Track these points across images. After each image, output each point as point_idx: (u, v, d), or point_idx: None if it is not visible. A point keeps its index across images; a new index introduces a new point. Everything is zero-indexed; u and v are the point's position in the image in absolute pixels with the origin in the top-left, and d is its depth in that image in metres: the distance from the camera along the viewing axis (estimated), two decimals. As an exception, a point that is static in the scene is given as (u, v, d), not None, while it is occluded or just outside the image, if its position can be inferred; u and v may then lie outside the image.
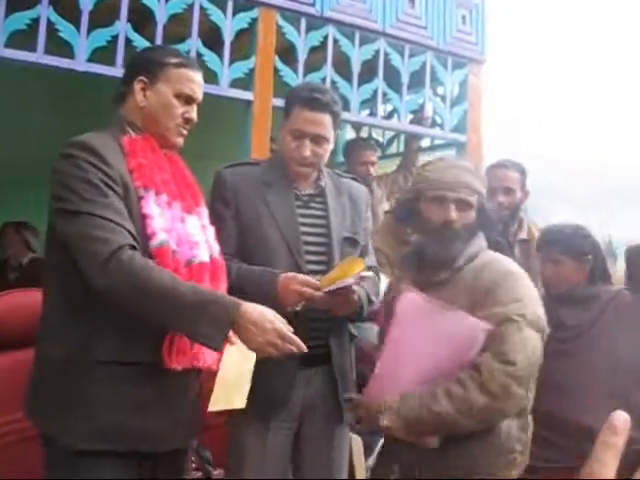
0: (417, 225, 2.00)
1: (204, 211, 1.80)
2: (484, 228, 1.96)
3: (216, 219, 1.89)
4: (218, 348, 1.50)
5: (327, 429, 2.06)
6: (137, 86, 1.72)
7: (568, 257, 2.31)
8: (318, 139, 2.03)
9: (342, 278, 1.83)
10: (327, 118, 2.02)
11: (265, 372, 1.93)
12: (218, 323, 1.48)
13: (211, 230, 1.79)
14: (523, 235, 2.87)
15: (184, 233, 1.65)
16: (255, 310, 1.51)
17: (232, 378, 1.72)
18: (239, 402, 1.77)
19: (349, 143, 4.34)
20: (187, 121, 1.75)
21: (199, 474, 2.38)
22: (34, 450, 1.64)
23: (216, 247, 1.78)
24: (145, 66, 1.73)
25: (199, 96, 1.77)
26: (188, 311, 1.47)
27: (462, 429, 1.72)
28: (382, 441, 2.19)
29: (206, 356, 1.59)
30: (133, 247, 1.51)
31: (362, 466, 2.79)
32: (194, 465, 2.34)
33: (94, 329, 1.55)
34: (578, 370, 2.22)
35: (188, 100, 1.74)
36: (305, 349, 1.55)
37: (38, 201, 2.11)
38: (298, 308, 1.89)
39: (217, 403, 1.70)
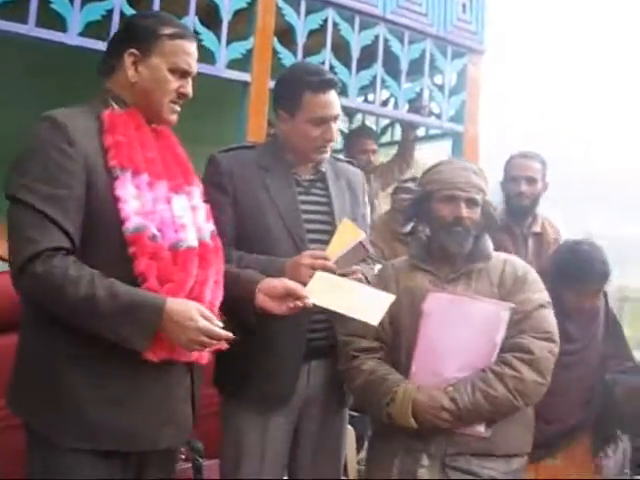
0: (426, 223, 2.10)
1: (196, 190, 1.68)
2: (489, 225, 2.06)
3: (212, 207, 1.76)
4: (142, 349, 1.43)
5: (326, 422, 2.02)
6: (128, 60, 1.57)
7: (605, 284, 2.38)
8: (337, 118, 1.97)
9: (345, 243, 1.85)
10: (336, 94, 1.96)
11: (268, 367, 1.87)
12: (142, 327, 1.41)
13: (202, 210, 1.67)
14: (536, 228, 2.86)
15: (169, 215, 1.54)
16: (178, 308, 1.42)
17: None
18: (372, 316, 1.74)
19: (350, 131, 4.31)
20: (181, 96, 1.63)
21: (188, 465, 2.32)
22: (20, 437, 1.55)
23: (208, 228, 1.66)
24: (137, 37, 1.58)
25: (194, 69, 1.65)
26: (107, 320, 1.41)
27: (514, 411, 1.87)
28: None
29: None
30: (61, 249, 1.42)
31: (354, 458, 2.75)
32: (183, 456, 2.27)
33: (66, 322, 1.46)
34: (577, 379, 2.32)
35: (183, 74, 1.62)
36: (231, 336, 1.45)
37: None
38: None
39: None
